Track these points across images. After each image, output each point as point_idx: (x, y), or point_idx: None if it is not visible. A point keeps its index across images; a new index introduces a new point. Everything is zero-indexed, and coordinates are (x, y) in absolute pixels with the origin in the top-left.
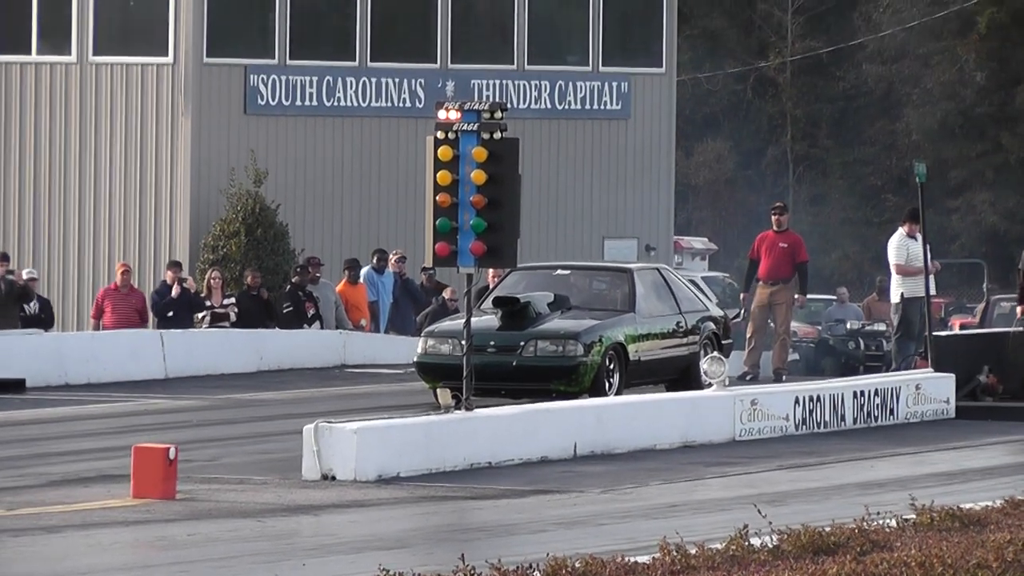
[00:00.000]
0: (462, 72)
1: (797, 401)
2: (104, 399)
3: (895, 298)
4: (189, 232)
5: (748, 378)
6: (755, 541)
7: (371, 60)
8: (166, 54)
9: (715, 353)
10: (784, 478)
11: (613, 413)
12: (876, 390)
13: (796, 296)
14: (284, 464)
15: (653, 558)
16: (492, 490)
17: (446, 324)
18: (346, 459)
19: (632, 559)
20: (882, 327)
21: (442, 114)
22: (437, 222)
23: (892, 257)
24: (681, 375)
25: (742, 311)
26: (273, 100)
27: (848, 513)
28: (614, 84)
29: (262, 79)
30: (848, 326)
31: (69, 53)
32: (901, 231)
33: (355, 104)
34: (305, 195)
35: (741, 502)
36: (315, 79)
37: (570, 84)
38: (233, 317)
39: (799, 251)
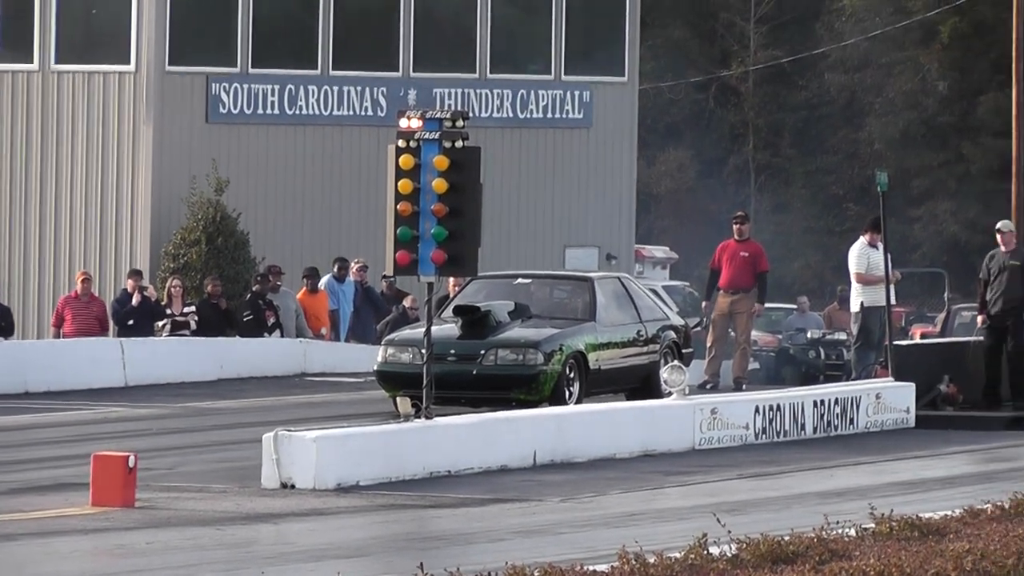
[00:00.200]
0: (424, 80)
1: (757, 410)
2: (64, 407)
3: (855, 307)
4: (150, 240)
5: (708, 387)
6: (714, 550)
7: (333, 68)
8: (128, 62)
9: (675, 362)
10: (744, 487)
11: (573, 422)
12: (836, 399)
13: (755, 305)
14: (243, 472)
15: (612, 567)
16: (451, 499)
17: (406, 333)
18: (305, 468)
19: (591, 568)
20: (843, 336)
21: (404, 122)
22: (398, 231)
23: (853, 266)
24: (641, 384)
25: (703, 320)
26: (235, 108)
27: (807, 522)
28: (576, 93)
29: (224, 87)
30: (809, 335)
31: (31, 61)
32: (862, 240)
33: (317, 112)
34: (266, 203)
35: (700, 511)
36: (277, 87)
37: (532, 93)
38: (193, 325)
39: (760, 260)
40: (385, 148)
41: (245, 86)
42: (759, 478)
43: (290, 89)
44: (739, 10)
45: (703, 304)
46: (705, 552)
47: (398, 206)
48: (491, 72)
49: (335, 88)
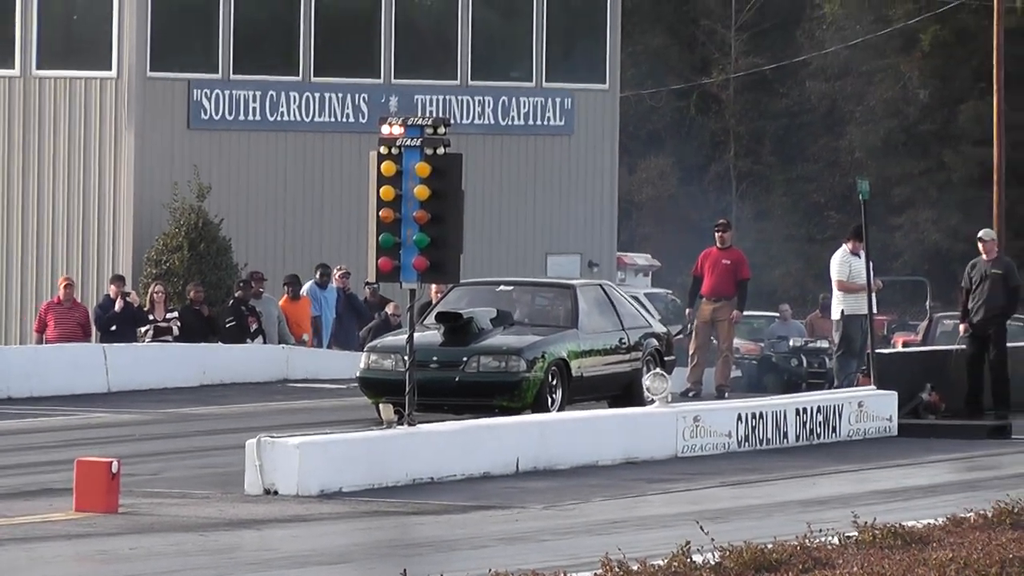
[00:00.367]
0: (405, 87)
1: (740, 418)
2: (47, 413)
3: (835, 315)
4: (132, 246)
5: (691, 395)
6: (697, 558)
7: (315, 75)
8: (109, 68)
9: (658, 369)
10: (726, 495)
11: (556, 429)
12: (819, 407)
13: (733, 312)
14: (226, 478)
15: (595, 574)
16: (434, 505)
17: (389, 339)
18: (288, 474)
19: (574, 575)
20: (825, 344)
21: (385, 129)
22: (380, 237)
23: (834, 274)
24: (624, 391)
25: (687, 326)
26: (216, 115)
27: (790, 530)
28: (557, 100)
29: (205, 93)
30: (791, 343)
31: (12, 67)
32: (845, 248)
33: (298, 119)
34: (248, 210)
35: (683, 519)
36: (258, 94)
37: (513, 100)
38: (176, 331)
39: (741, 268)
40: (367, 154)
41: (227, 92)
42: (742, 486)
43: (272, 95)
44: (720, 17)
45: (686, 311)
46: (688, 560)
47: (380, 212)
48: (472, 79)
49: (316, 94)
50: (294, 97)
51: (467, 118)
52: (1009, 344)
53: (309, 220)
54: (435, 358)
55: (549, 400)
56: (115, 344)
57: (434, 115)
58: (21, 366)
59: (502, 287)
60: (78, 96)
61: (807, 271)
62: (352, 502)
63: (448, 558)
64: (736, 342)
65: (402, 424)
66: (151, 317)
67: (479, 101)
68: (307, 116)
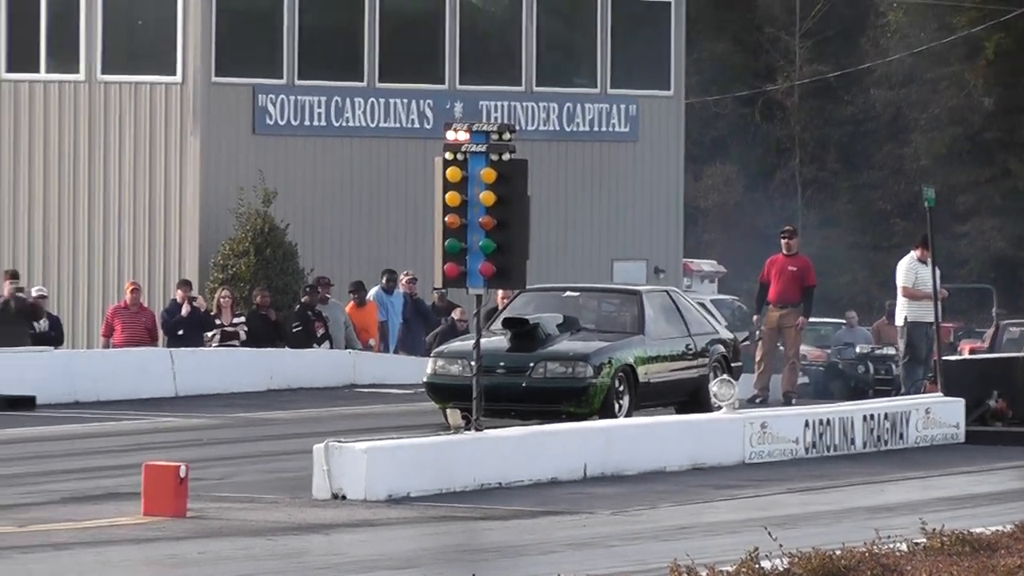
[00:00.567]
0: (470, 93)
1: (807, 424)
2: (114, 417)
3: (899, 321)
4: (199, 251)
5: (758, 401)
6: (765, 564)
7: (379, 80)
8: (174, 73)
9: (725, 376)
10: (794, 501)
11: (623, 435)
12: (886, 414)
13: (799, 318)
14: (294, 483)
15: None
16: (502, 511)
17: (456, 345)
18: (356, 478)
19: None
20: (891, 351)
21: (451, 135)
22: (446, 243)
23: (900, 280)
24: (690, 397)
25: (756, 332)
26: (282, 120)
27: (858, 536)
28: (622, 106)
29: (270, 99)
30: (857, 350)
31: (77, 71)
32: (912, 255)
33: (364, 124)
34: (314, 215)
35: (751, 525)
36: (323, 99)
37: (578, 106)
38: (243, 336)
39: (808, 275)
40: (432, 160)
41: (292, 98)
42: (809, 492)
43: (336, 101)
44: (784, 24)
45: (753, 318)
46: (757, 566)
47: (446, 218)
48: (537, 85)
49: (381, 100)
50: (359, 103)
51: (532, 124)
52: None
53: (374, 225)
54: (502, 363)
55: (616, 406)
56: (182, 348)
57: (499, 121)
58: (88, 370)
59: (568, 293)
60: (143, 101)
61: (872, 278)
62: (420, 507)
63: (516, 563)
64: (803, 348)
65: (469, 429)
66: (218, 322)
67: (544, 107)
68: (372, 122)
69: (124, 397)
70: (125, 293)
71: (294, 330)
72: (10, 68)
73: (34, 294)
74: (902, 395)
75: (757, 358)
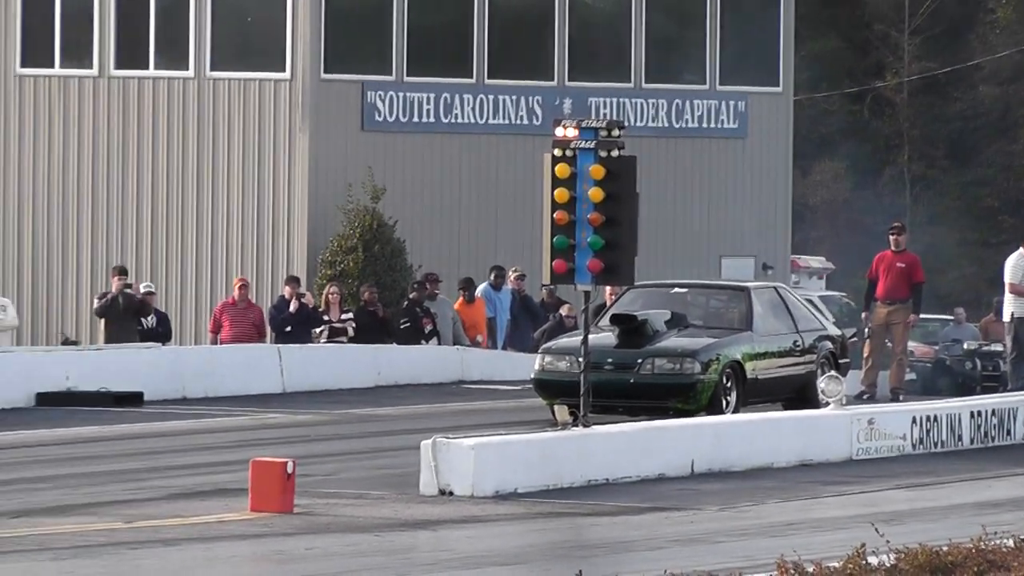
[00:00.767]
0: (579, 90)
1: (914, 421)
2: (222, 413)
3: (1006, 317)
4: (307, 247)
5: (865, 397)
6: (872, 560)
7: (488, 77)
8: (283, 70)
9: (832, 372)
10: (901, 497)
11: (731, 431)
12: (993, 410)
13: (910, 315)
14: (401, 479)
15: None
16: (609, 507)
17: (563, 341)
18: (464, 475)
19: None
20: (999, 348)
21: (559, 131)
22: (554, 239)
23: (1008, 276)
24: (798, 394)
25: (865, 329)
26: (391, 116)
27: (965, 533)
28: (731, 103)
29: (379, 95)
30: (965, 346)
31: (187, 68)
32: (1021, 251)
33: (472, 121)
34: (422, 212)
35: (858, 521)
36: (432, 96)
37: (687, 102)
38: (351, 332)
39: (916, 271)
40: (540, 157)
41: (400, 94)
42: (916, 488)
43: (446, 98)
44: (893, 21)
45: (861, 315)
46: (863, 562)
47: (554, 215)
48: (646, 82)
49: (490, 97)
50: (468, 99)
51: (641, 120)
52: None
53: (483, 222)
54: (610, 360)
55: (724, 402)
56: (290, 345)
57: (608, 117)
58: (196, 366)
59: (676, 289)
60: (252, 98)
61: (981, 275)
62: (527, 503)
63: (623, 559)
64: (910, 345)
65: (577, 425)
66: (326, 318)
67: (653, 104)
68: (481, 118)
69: (232, 393)
70: (233, 289)
71: (402, 326)
72: (119, 64)
73: (142, 290)
74: (1009, 391)
75: (865, 354)
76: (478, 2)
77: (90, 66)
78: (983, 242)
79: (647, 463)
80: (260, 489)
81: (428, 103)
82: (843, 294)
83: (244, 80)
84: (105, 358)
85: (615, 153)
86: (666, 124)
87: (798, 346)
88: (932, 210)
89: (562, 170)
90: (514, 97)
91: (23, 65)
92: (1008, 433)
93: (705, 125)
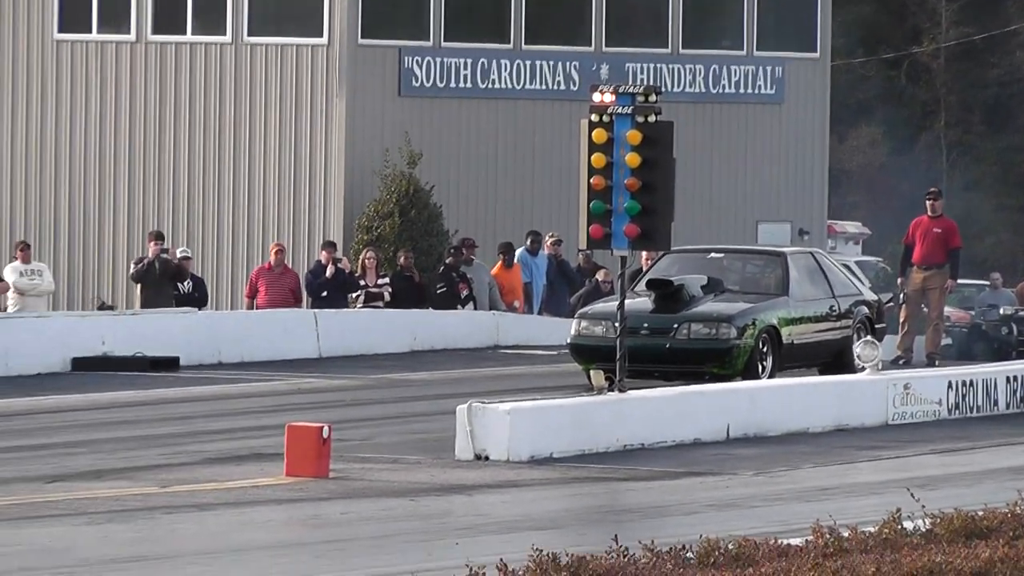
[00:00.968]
0: (616, 55)
1: (950, 385)
2: (257, 378)
3: None
4: (343, 212)
5: (901, 362)
6: (908, 525)
7: (526, 43)
8: (321, 35)
9: (868, 337)
10: (936, 462)
11: (766, 396)
12: None
13: (947, 281)
14: (437, 444)
15: (806, 541)
16: (645, 472)
17: (599, 306)
18: (499, 439)
19: (785, 542)
20: None
21: (597, 97)
22: (591, 204)
23: None
24: (834, 359)
25: (901, 294)
26: (428, 82)
27: (1000, 498)
28: (768, 68)
29: (416, 61)
30: (1001, 311)
31: (224, 33)
32: None
33: (509, 87)
34: (459, 177)
35: (893, 486)
36: (469, 61)
37: (724, 68)
38: (387, 297)
39: (952, 237)
40: (577, 122)
41: (438, 59)
42: (951, 453)
43: (483, 63)
44: None
45: (898, 280)
46: (899, 527)
47: (591, 180)
48: (683, 47)
49: (528, 62)
50: (505, 65)
51: (678, 86)
52: None
53: (519, 187)
54: (646, 325)
55: (759, 367)
56: (326, 310)
57: (645, 83)
58: (233, 331)
59: (713, 254)
60: (289, 63)
61: (1017, 240)
62: (562, 468)
63: (659, 524)
64: (946, 310)
65: (612, 390)
66: (362, 283)
67: (690, 69)
68: (518, 84)
69: (268, 358)
70: (270, 254)
71: (438, 291)
72: (156, 30)
73: (179, 255)
74: None
75: (901, 319)
76: None
77: (128, 31)
78: (1020, 207)
79: (682, 428)
80: (295, 454)
81: (465, 68)
82: (879, 259)
83: (281, 45)
84: (141, 323)
85: (652, 118)
86: (703, 90)
87: (834, 311)
88: (968, 176)
89: (599, 135)
90: (551, 63)
91: (61, 31)
92: None
93: (742, 91)
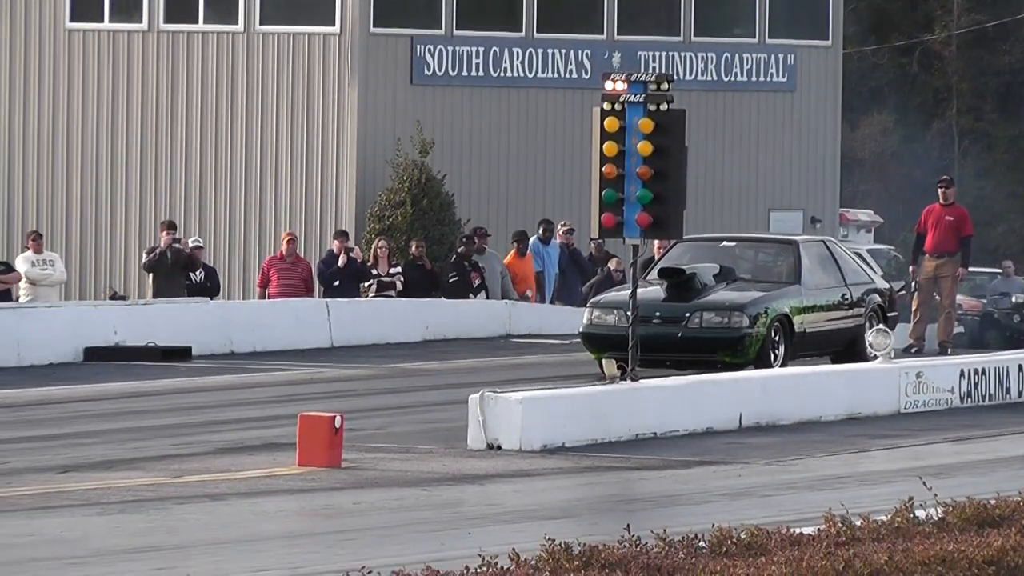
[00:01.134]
0: (628, 43)
1: (962, 374)
2: (269, 368)
3: None
4: (355, 201)
5: (913, 351)
6: (920, 513)
7: (538, 31)
8: (333, 24)
9: (880, 325)
10: (949, 451)
11: (779, 385)
12: None
13: (959, 269)
14: (449, 433)
15: (818, 529)
16: (657, 461)
17: (611, 295)
18: (511, 429)
19: (797, 530)
20: None
21: (608, 85)
22: (603, 193)
23: None
24: (846, 347)
25: (913, 282)
26: (439, 70)
27: (1013, 486)
28: (780, 56)
29: (428, 49)
30: (1013, 299)
31: (236, 22)
32: None
33: (521, 75)
34: (471, 166)
35: (906, 474)
36: (481, 50)
37: (736, 56)
38: (399, 286)
39: (964, 224)
40: (589, 111)
41: (450, 48)
42: (964, 442)
43: (495, 51)
44: None
45: (909, 268)
46: (911, 515)
47: (603, 168)
48: (695, 35)
49: (539, 51)
50: (517, 53)
51: (690, 74)
52: None
53: (531, 176)
54: (658, 314)
55: (772, 356)
56: (338, 299)
57: (657, 71)
58: (245, 321)
59: (725, 243)
60: (301, 52)
61: None
62: (574, 457)
63: (671, 513)
64: (958, 298)
65: (625, 379)
66: (374, 272)
67: (702, 57)
68: (530, 72)
69: (280, 348)
70: (281, 243)
71: (450, 280)
72: (168, 19)
73: (191, 245)
74: None
75: (913, 308)
76: None
77: (139, 20)
78: None
79: (695, 417)
80: (308, 443)
81: (477, 57)
82: (891, 247)
83: (293, 34)
84: (153, 312)
85: (664, 107)
86: (715, 78)
87: (846, 299)
88: (980, 163)
89: (611, 124)
90: (563, 51)
91: (73, 19)
92: None
93: (754, 79)
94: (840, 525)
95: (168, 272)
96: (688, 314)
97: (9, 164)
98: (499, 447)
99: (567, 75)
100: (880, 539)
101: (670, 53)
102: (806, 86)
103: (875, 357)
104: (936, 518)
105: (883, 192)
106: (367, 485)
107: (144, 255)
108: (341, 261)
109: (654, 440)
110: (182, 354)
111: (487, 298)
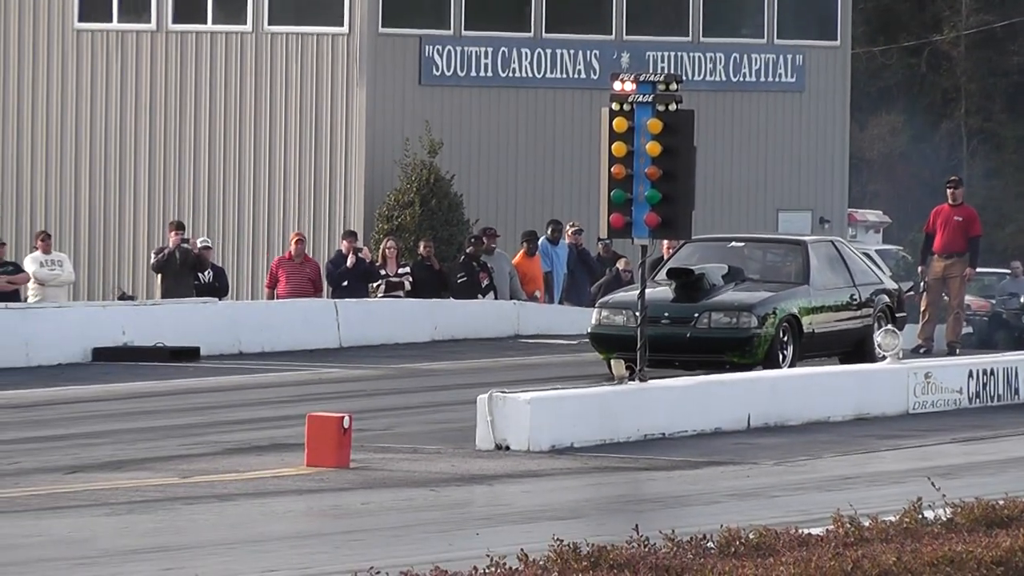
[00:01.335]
0: (637, 44)
1: (971, 374)
2: (278, 368)
3: None
4: (364, 202)
5: (922, 351)
6: (928, 514)
7: (546, 31)
8: (341, 24)
9: (889, 326)
10: (957, 451)
11: (787, 385)
12: None
13: (967, 269)
14: (458, 434)
15: (826, 530)
16: (665, 461)
17: (620, 295)
18: (520, 429)
19: (805, 531)
20: None
21: (617, 85)
22: (612, 193)
23: None
24: (855, 348)
25: (922, 283)
26: (448, 71)
27: (1022, 487)
28: (789, 57)
29: (437, 50)
30: (1022, 300)
31: (244, 22)
32: None
33: (530, 75)
34: (480, 166)
35: (914, 475)
36: (490, 50)
37: (745, 56)
38: (408, 287)
39: (973, 225)
40: (598, 111)
41: (458, 48)
42: (973, 442)
43: (503, 52)
44: None
45: (919, 268)
46: (920, 516)
47: (612, 169)
48: (704, 35)
49: (548, 51)
50: (526, 53)
51: (699, 75)
52: None
53: (539, 176)
54: (666, 314)
55: (780, 356)
56: (346, 299)
57: (666, 72)
58: (253, 321)
59: (733, 243)
60: (310, 52)
61: None
62: (583, 458)
63: (679, 514)
64: (967, 299)
65: (633, 380)
66: (383, 272)
67: (711, 58)
68: (539, 72)
69: (288, 348)
70: (290, 244)
71: (459, 281)
72: (177, 19)
73: (199, 245)
74: None
75: (922, 308)
76: None
77: (148, 20)
78: None
79: (703, 417)
80: (316, 444)
81: (486, 57)
82: (900, 248)
83: (301, 34)
84: (161, 313)
85: (672, 107)
86: (723, 78)
87: (855, 300)
88: (989, 164)
89: (620, 124)
90: (572, 51)
91: (81, 19)
92: None
93: (762, 79)
94: (848, 526)
95: (177, 272)
96: (697, 314)
97: (18, 164)
98: (507, 447)
99: (576, 75)
100: (888, 540)
101: (679, 53)
102: (815, 86)
103: (883, 358)
104: (945, 519)
105: (892, 192)
106: (375, 485)
107: (152, 255)
108: (349, 261)
109: (663, 440)
110: (191, 354)
111: (496, 298)
